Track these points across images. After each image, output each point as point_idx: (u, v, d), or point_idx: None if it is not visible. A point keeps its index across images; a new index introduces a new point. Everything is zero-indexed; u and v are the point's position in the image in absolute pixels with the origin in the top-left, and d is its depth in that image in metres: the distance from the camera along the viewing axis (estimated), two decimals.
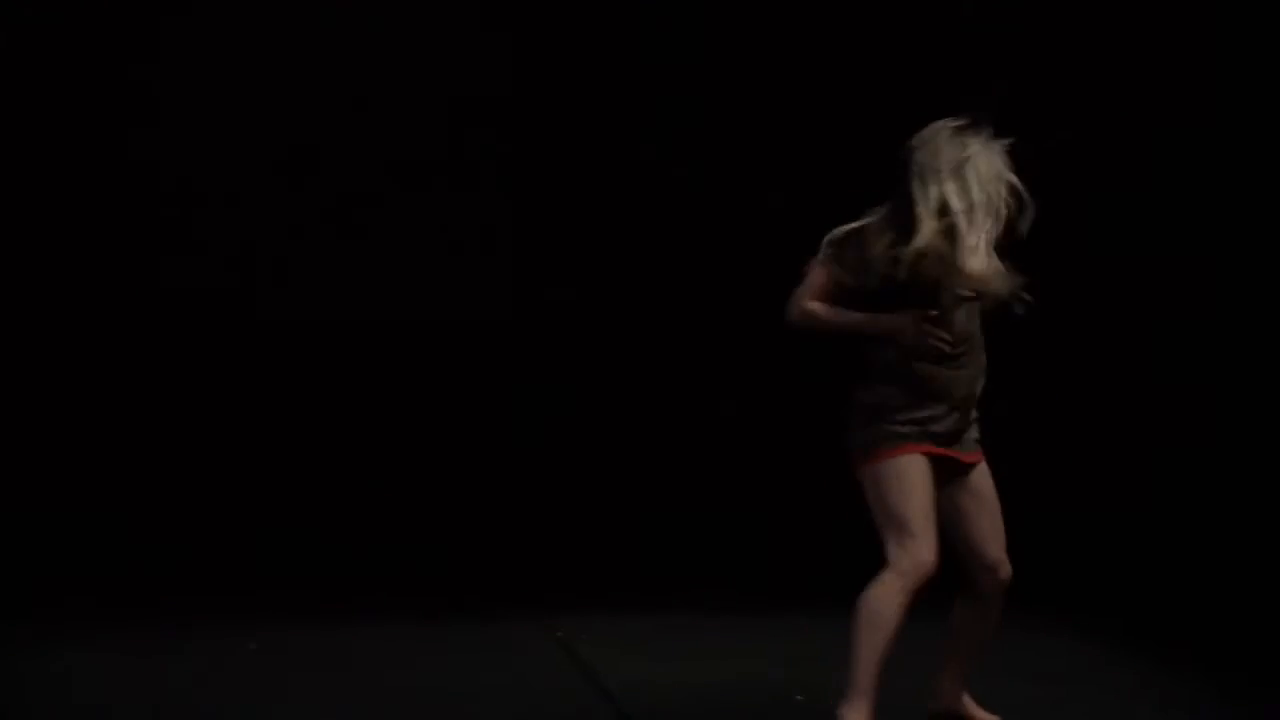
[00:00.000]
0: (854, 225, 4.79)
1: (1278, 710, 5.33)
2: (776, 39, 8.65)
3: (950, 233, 4.61)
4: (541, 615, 6.64)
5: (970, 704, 5.05)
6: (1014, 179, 4.71)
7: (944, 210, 4.61)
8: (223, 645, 6.07)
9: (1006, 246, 4.80)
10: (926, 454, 4.72)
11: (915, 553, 4.66)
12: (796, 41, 8.63)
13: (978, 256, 4.60)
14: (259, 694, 5.40)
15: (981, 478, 4.86)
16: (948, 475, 4.80)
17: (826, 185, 6.75)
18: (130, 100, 8.41)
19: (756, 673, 5.70)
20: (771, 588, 7.38)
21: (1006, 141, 4.74)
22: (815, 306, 4.83)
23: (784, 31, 8.64)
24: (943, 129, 4.71)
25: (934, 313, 4.68)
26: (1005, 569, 4.84)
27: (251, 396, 8.58)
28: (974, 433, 4.85)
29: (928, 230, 4.60)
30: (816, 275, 4.82)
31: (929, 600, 4.75)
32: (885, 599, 4.66)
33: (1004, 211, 4.68)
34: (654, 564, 7.98)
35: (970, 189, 4.63)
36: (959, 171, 4.64)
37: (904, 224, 4.65)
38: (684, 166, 8.64)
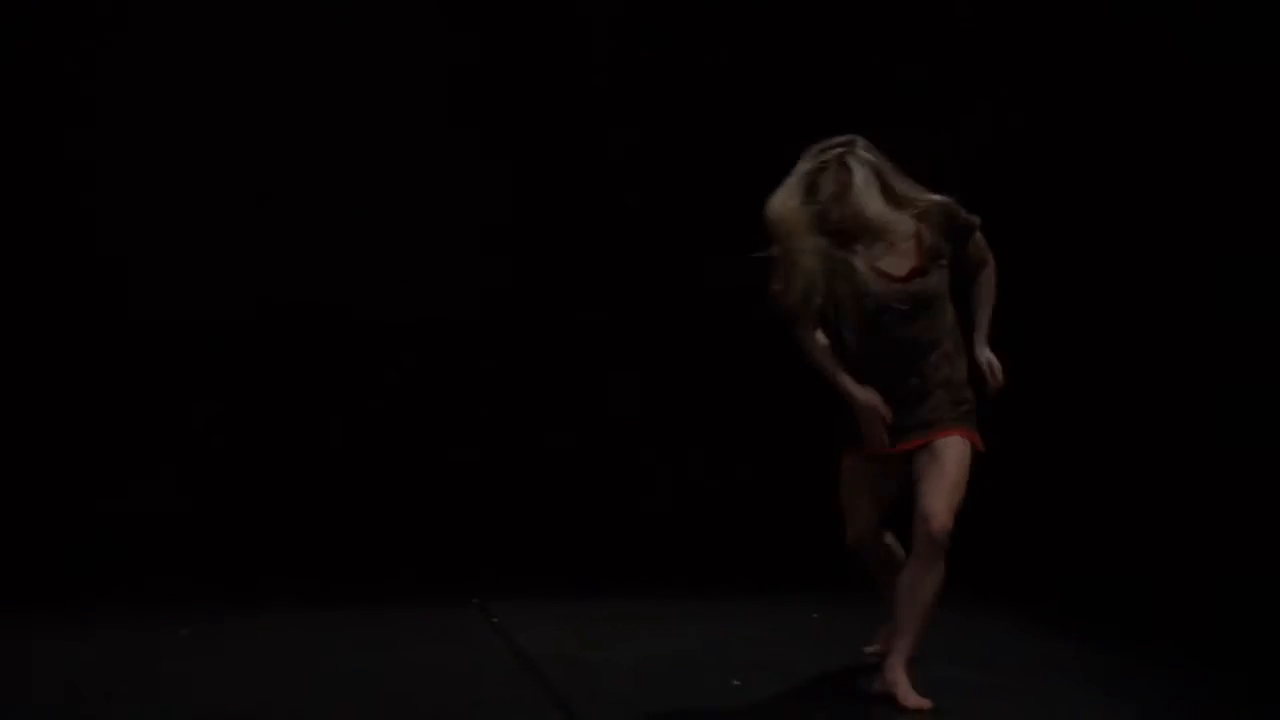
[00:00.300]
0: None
1: (1228, 695, 5.35)
2: (763, 35, 8.68)
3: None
4: (477, 600, 6.61)
5: (903, 683, 5.05)
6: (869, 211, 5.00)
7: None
8: (155, 631, 6.02)
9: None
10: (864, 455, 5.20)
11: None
12: (789, 37, 8.66)
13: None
14: (191, 679, 5.35)
15: (946, 446, 5.07)
16: (912, 453, 5.11)
17: None
18: (90, 87, 8.35)
19: (693, 657, 5.70)
20: (708, 574, 7.38)
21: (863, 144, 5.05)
22: (811, 341, 5.18)
23: (770, 27, 8.67)
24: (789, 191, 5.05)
25: (884, 432, 5.07)
26: (938, 521, 4.96)
27: (193, 383, 8.53)
28: (942, 413, 5.09)
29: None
30: None
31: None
32: None
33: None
34: (590, 550, 7.98)
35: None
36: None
37: None
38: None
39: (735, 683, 5.31)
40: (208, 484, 8.41)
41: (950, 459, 5.05)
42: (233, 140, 8.36)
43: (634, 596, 6.81)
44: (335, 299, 8.55)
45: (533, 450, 8.68)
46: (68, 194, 8.24)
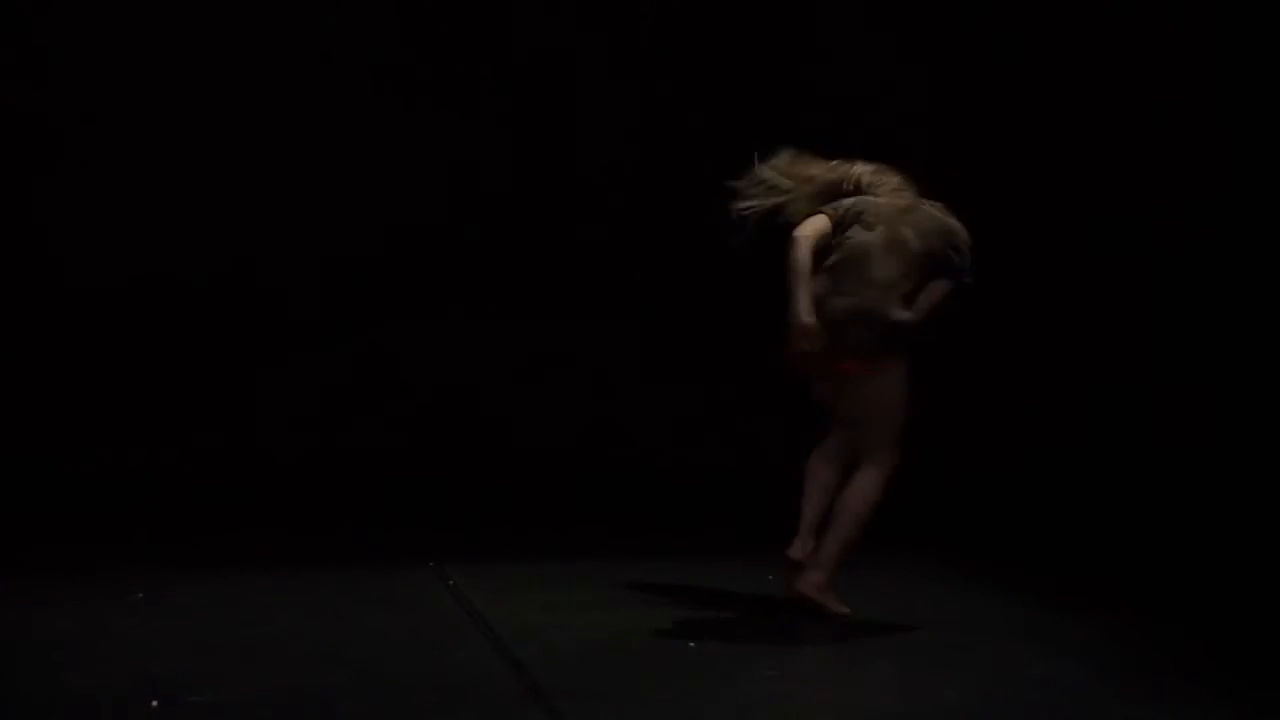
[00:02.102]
0: None
1: (1167, 650, 5.40)
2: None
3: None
4: (434, 563, 6.60)
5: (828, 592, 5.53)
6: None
7: None
8: (109, 593, 5.99)
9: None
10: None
11: None
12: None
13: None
14: (143, 642, 5.33)
15: (865, 381, 5.50)
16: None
17: None
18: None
19: (647, 620, 5.71)
20: (662, 537, 7.40)
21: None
22: (801, 252, 5.50)
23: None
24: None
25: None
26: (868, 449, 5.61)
27: (136, 346, 8.51)
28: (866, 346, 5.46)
29: None
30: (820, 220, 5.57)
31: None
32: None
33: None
34: (545, 513, 7.98)
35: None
36: None
37: None
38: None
39: (690, 644, 5.33)
40: (161, 446, 8.38)
41: (870, 391, 5.50)
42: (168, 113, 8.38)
43: (590, 560, 6.82)
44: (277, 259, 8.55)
45: (492, 413, 8.68)
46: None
